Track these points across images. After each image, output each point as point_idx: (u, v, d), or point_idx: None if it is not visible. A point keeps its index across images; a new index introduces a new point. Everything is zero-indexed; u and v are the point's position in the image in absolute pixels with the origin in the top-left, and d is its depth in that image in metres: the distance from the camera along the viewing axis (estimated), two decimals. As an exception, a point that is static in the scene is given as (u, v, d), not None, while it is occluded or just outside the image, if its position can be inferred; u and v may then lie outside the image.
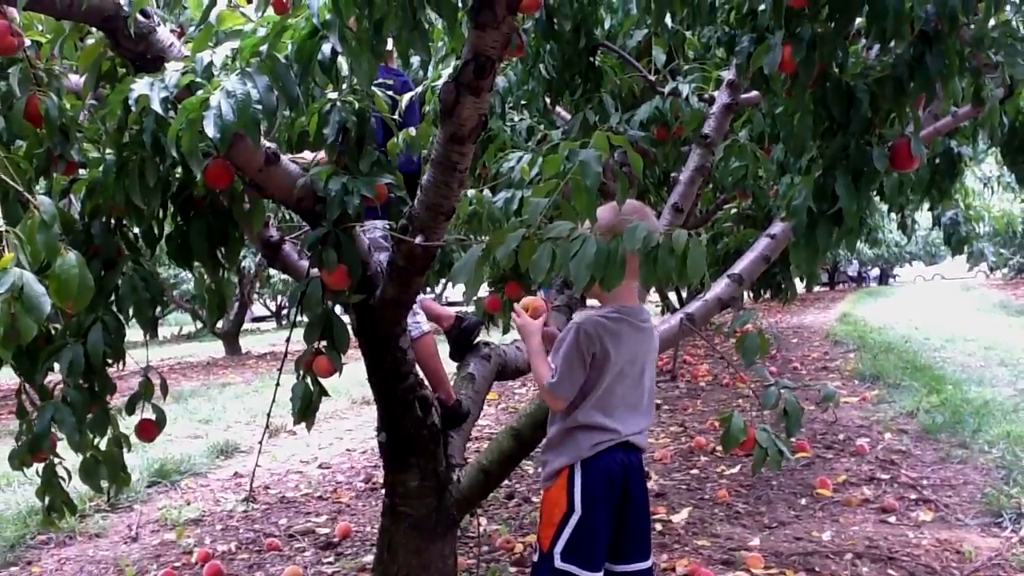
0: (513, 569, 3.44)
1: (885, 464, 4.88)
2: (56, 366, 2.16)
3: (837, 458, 5.12)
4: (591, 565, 2.19)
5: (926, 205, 5.30)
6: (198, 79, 1.87)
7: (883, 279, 37.19)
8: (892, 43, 2.25)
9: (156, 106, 1.84)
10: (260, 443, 3.33)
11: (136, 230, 2.33)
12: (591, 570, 2.19)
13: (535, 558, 2.27)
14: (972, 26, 2.34)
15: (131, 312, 2.21)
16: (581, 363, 2.17)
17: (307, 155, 2.56)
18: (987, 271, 26.81)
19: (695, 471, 4.99)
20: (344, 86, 2.24)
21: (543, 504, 2.27)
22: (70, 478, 2.44)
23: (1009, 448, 4.76)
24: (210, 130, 1.75)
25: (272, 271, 17.33)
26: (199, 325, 22.31)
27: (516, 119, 3.88)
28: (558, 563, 2.18)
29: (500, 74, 3.63)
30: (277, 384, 2.63)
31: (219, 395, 9.76)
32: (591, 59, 3.64)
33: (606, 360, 2.18)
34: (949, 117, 3.18)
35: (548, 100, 3.97)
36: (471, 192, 2.96)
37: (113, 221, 2.28)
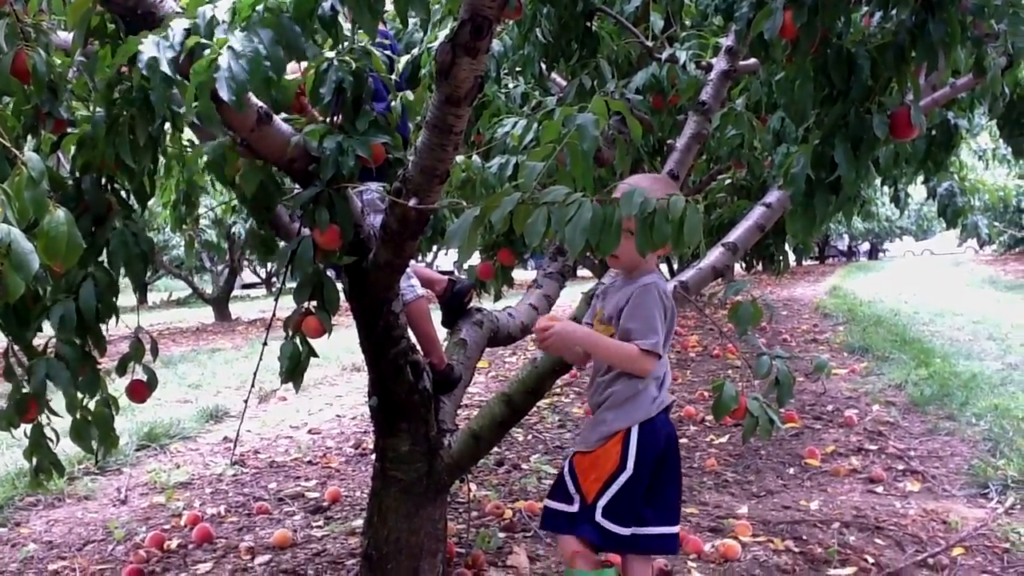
0: (502, 534, 3.45)
1: (873, 435, 4.91)
2: (45, 327, 2.14)
3: (825, 429, 5.15)
4: (624, 522, 2.25)
5: (919, 179, 5.29)
6: (202, 40, 1.83)
7: (873, 254, 37.32)
8: (894, 10, 2.22)
9: (165, 67, 1.80)
10: (245, 402, 3.32)
11: (127, 185, 2.30)
12: (628, 527, 2.26)
13: (573, 508, 2.29)
14: (974, -6, 2.31)
15: (122, 268, 2.18)
16: (662, 320, 2.22)
17: None
18: (976, 247, 26.90)
19: (684, 440, 5.01)
20: (343, 45, 2.21)
21: (593, 458, 2.28)
22: (58, 439, 2.43)
23: (996, 421, 4.79)
24: (224, 93, 1.71)
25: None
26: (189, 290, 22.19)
27: (511, 85, 3.84)
28: (598, 517, 2.23)
29: (495, 38, 3.58)
30: (264, 344, 2.61)
31: (209, 360, 9.75)
32: (588, 24, 3.59)
33: (673, 320, 2.27)
34: (947, 88, 3.16)
35: (544, 65, 3.92)
36: (460, 159, 2.92)
37: (104, 177, 2.24)
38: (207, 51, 1.80)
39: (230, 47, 1.75)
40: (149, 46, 1.83)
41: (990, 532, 3.35)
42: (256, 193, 2.31)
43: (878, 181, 5.64)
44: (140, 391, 2.45)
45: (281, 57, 1.80)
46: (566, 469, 2.34)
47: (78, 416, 2.30)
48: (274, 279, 26.10)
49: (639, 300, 2.21)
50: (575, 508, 2.28)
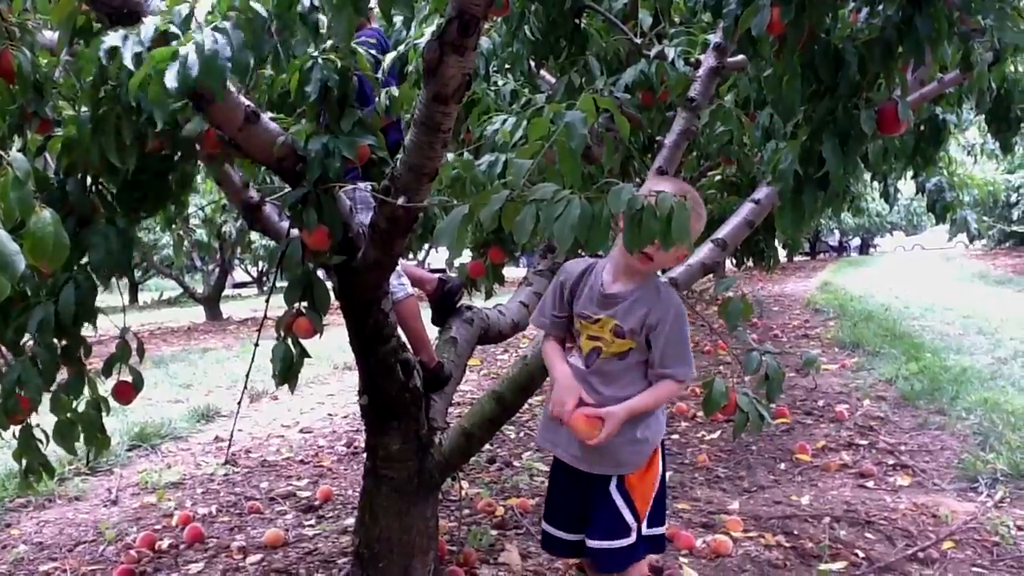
0: (494, 532, 3.45)
1: (864, 430, 4.93)
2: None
3: (816, 424, 5.17)
4: (662, 521, 2.34)
5: (909, 174, 5.30)
6: (174, 29, 1.81)
7: (864, 249, 37.43)
8: (881, 6, 2.23)
9: (128, 61, 1.78)
10: (239, 403, 3.31)
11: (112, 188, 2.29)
12: (664, 525, 2.35)
13: (633, 539, 2.23)
14: (961, -11, 2.32)
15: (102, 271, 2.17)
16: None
17: None
18: (967, 242, 27.03)
19: (676, 436, 5.02)
20: (326, 43, 2.20)
21: (641, 484, 2.24)
22: (48, 441, 2.42)
23: (986, 415, 4.82)
24: (170, 82, 1.68)
25: (253, 236, 17.23)
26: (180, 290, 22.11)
27: (500, 82, 3.83)
28: (645, 531, 2.25)
29: (484, 35, 3.57)
30: (256, 345, 2.61)
31: (200, 360, 9.72)
32: (577, 21, 3.59)
33: None
34: (935, 83, 3.17)
35: (533, 63, 3.92)
36: (450, 156, 2.92)
37: (88, 178, 2.23)
38: (175, 43, 1.78)
39: (195, 41, 1.73)
40: (114, 38, 1.81)
41: (980, 525, 3.37)
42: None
43: (868, 176, 5.66)
44: (126, 392, 2.44)
45: (247, 59, 1.78)
46: (619, 499, 2.22)
47: (62, 418, 2.29)
48: (265, 278, 26.07)
49: (677, 326, 2.16)
50: (633, 539, 2.23)
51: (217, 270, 17.39)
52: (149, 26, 1.82)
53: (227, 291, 22.37)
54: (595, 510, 2.26)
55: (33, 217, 1.64)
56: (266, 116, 2.24)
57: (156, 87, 1.76)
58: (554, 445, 2.33)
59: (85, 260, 2.18)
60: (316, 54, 2.19)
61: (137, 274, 24.22)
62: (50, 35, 2.46)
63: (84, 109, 2.11)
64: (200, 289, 18.24)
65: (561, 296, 2.30)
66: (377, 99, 2.57)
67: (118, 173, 2.15)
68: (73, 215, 2.15)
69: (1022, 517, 3.45)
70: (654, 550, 2.37)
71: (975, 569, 3.02)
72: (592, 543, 2.24)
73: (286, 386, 2.34)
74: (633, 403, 2.16)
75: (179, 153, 2.28)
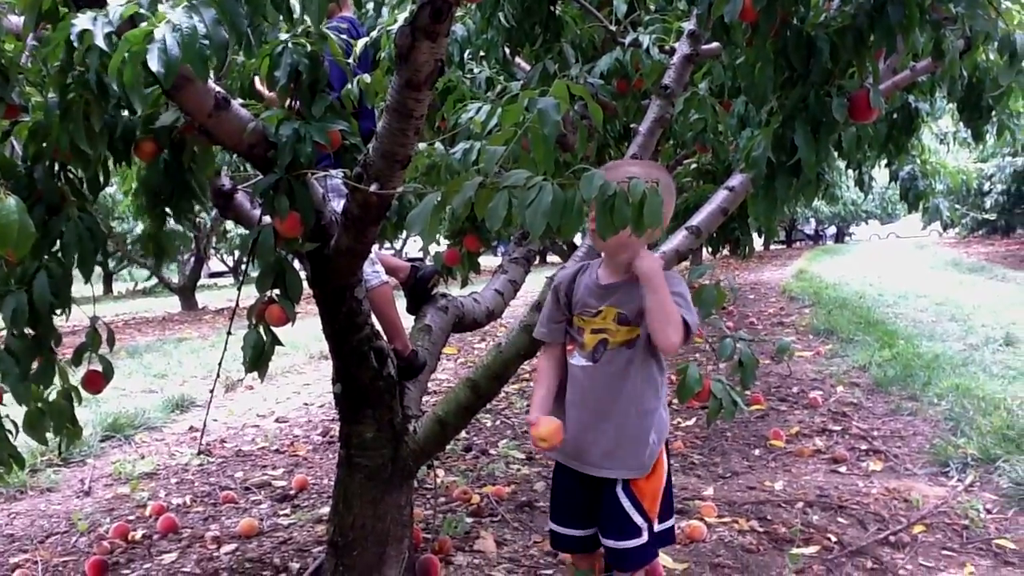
0: (470, 520, 3.45)
1: (837, 416, 4.98)
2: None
3: (791, 410, 5.21)
4: (673, 512, 2.32)
5: (883, 162, 5.34)
6: (143, 11, 1.78)
7: (839, 237, 37.75)
8: (853, -7, 2.24)
9: (100, 42, 1.74)
10: (211, 392, 3.29)
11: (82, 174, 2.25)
12: (673, 517, 2.32)
13: (644, 539, 2.21)
14: (933, -22, 2.33)
15: (75, 259, 2.14)
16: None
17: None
18: (940, 230, 27.30)
19: (652, 424, 5.04)
20: (298, 28, 2.18)
21: (649, 485, 2.22)
22: (17, 431, 2.39)
23: (957, 400, 4.87)
24: (154, 65, 1.66)
25: (229, 225, 17.12)
26: (155, 280, 21.92)
27: (475, 70, 3.82)
28: (656, 528, 2.24)
29: (459, 23, 3.56)
30: (229, 334, 2.59)
31: (174, 350, 9.65)
32: (551, 8, 3.58)
33: None
34: (907, 71, 3.18)
35: (507, 50, 3.91)
36: (422, 146, 2.90)
37: (57, 166, 2.20)
38: (144, 23, 1.75)
39: (169, 21, 1.70)
40: (84, 20, 1.78)
41: (950, 509, 3.41)
42: (154, 189, 2.27)
43: (842, 165, 5.69)
44: (96, 381, 2.42)
45: (223, 37, 1.75)
46: (627, 502, 2.20)
47: (32, 407, 2.26)
48: (241, 267, 25.90)
49: (679, 287, 2.13)
50: (645, 538, 2.21)
51: (192, 259, 17.28)
52: (116, 7, 1.78)
53: (203, 280, 22.23)
54: (604, 511, 2.24)
55: (-2, 204, 1.62)
56: (236, 102, 2.21)
57: (131, 71, 1.73)
58: (555, 451, 2.30)
59: (56, 248, 2.15)
60: (286, 38, 2.17)
61: (111, 263, 23.99)
62: (16, 20, 2.42)
63: (52, 95, 2.08)
64: (175, 279, 18.12)
65: (558, 301, 2.28)
66: (349, 85, 2.55)
67: (88, 160, 2.12)
68: (41, 203, 2.12)
69: (991, 501, 3.50)
70: (666, 543, 2.37)
71: (945, 552, 3.06)
72: (607, 542, 2.24)
73: (258, 376, 2.32)
74: (664, 282, 2.07)
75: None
